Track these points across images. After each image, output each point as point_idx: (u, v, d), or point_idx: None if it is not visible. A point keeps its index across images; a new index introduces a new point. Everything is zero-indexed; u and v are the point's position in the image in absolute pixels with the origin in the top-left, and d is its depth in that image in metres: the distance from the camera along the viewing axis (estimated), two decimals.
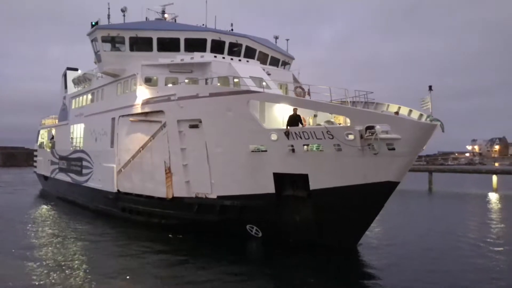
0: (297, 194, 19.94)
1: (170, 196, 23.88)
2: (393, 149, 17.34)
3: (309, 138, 18.70)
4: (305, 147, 19.00)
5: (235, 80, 23.54)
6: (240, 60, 26.74)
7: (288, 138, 18.96)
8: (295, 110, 19.69)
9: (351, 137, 17.67)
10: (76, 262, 18.10)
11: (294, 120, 19.40)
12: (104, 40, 28.08)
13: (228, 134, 20.84)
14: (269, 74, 25.48)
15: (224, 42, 27.67)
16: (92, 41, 29.38)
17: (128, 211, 26.77)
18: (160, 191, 24.40)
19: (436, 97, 17.87)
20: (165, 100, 23.58)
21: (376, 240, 22.20)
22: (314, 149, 18.88)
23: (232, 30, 30.90)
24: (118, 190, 27.76)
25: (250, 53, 28.81)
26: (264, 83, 22.71)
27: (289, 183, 20.01)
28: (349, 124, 17.93)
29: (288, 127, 19.03)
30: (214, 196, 22.23)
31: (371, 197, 18.42)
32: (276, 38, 33.59)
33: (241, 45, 28.45)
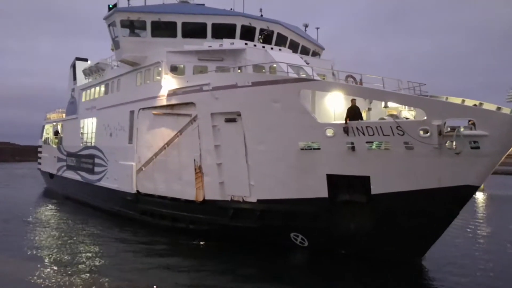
0: (354, 199, 17.27)
1: (201, 199, 21.21)
2: (477, 147, 14.71)
3: (373, 135, 16.04)
4: (368, 144, 16.35)
5: (272, 69, 21.07)
6: (272, 48, 24.11)
7: (347, 134, 16.30)
8: (353, 101, 17.05)
9: (425, 133, 15.06)
10: (93, 268, 16.54)
11: (354, 113, 16.74)
12: (123, 24, 25.35)
13: (273, 129, 18.14)
14: (307, 64, 22.91)
15: (254, 28, 25.08)
16: (109, 25, 26.65)
17: (150, 215, 24.07)
18: (188, 193, 21.72)
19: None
20: (196, 90, 20.86)
21: (446, 254, 19.31)
22: (381, 147, 16.24)
23: (261, 15, 28.21)
24: (137, 191, 25.04)
25: (281, 41, 26.32)
26: (303, 73, 20.19)
27: (345, 187, 17.33)
28: (424, 118, 15.25)
29: (348, 121, 16.39)
30: (253, 199, 19.55)
31: (445, 204, 15.80)
32: (306, 26, 30.91)
33: (272, 32, 25.87)
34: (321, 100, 18.82)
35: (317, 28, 31.83)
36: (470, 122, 14.92)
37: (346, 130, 16.33)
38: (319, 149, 17.31)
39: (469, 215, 28.88)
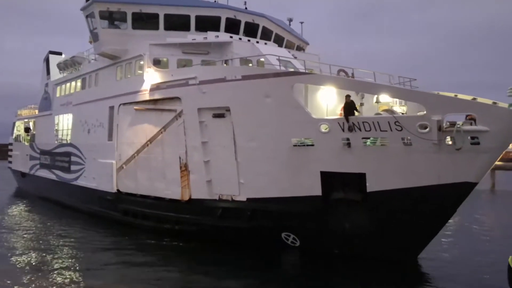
0: (349, 197, 16.69)
1: (186, 198, 20.31)
2: (477, 143, 14.34)
3: (370, 130, 15.49)
4: (365, 140, 15.80)
5: (260, 63, 20.37)
6: (258, 42, 23.40)
7: (350, 131, 15.66)
8: (348, 97, 16.46)
9: (424, 129, 14.60)
10: (68, 272, 15.51)
11: (351, 108, 16.15)
12: (102, 16, 24.15)
13: (264, 125, 17.40)
14: (295, 58, 22.29)
15: (239, 21, 24.31)
16: (87, 17, 25.42)
17: (132, 215, 22.99)
18: (173, 192, 20.80)
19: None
20: (182, 84, 19.93)
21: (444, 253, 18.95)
22: (376, 143, 15.71)
23: (246, 8, 27.42)
24: (118, 190, 23.94)
25: (266, 35, 25.60)
26: (291, 67, 19.57)
27: (340, 184, 16.73)
28: (423, 113, 14.77)
29: (347, 117, 15.82)
30: (243, 198, 18.77)
31: (443, 201, 15.40)
32: (290, 20, 30.25)
33: (258, 25, 25.15)
34: (314, 95, 18.15)
35: (301, 23, 31.24)
36: (468, 117, 14.54)
37: (350, 128, 15.66)
38: (313, 145, 16.67)
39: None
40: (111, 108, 24.85)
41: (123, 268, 16.49)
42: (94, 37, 25.46)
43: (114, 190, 23.99)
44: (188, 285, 14.98)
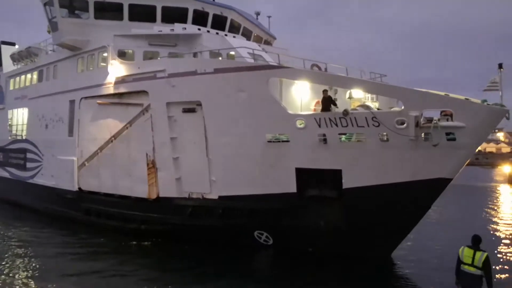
0: (325, 194, 16.39)
1: (154, 196, 19.47)
2: (453, 139, 14.33)
3: (347, 126, 15.22)
4: (342, 136, 15.52)
5: (230, 56, 19.79)
6: (226, 35, 22.76)
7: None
8: (325, 92, 16.16)
9: (401, 124, 14.45)
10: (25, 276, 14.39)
11: (328, 104, 15.83)
12: (62, 4, 22.79)
13: (238, 120, 16.82)
14: (266, 52, 21.80)
15: (207, 13, 23.49)
16: (45, 4, 23.92)
17: (95, 215, 21.88)
18: (139, 190, 19.89)
19: None
20: (149, 77, 19.02)
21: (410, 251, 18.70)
22: (352, 139, 15.46)
23: (214, 0, 26.67)
24: (79, 189, 22.74)
25: (234, 28, 24.94)
26: (262, 62, 19.06)
27: (315, 181, 16.40)
28: (402, 108, 14.62)
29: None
30: (214, 196, 18.15)
31: (418, 197, 15.35)
32: (258, 14, 29.74)
33: (226, 18, 24.46)
34: (288, 90, 17.73)
35: (269, 17, 30.84)
36: (443, 113, 14.52)
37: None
38: (288, 141, 16.25)
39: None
40: (72, 102, 23.53)
41: (83, 274, 15.08)
42: (53, 26, 23.99)
43: (75, 189, 22.77)
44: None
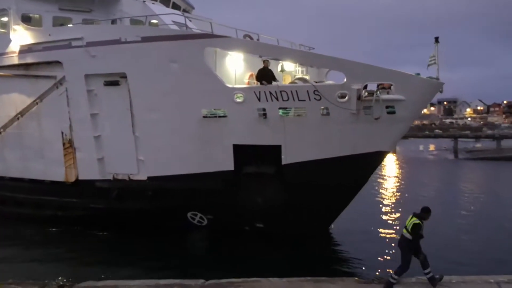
0: (263, 170, 15.73)
1: (72, 179, 17.62)
2: (393, 112, 14.32)
3: (288, 100, 14.58)
4: (281, 111, 14.85)
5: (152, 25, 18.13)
6: (144, 1, 20.91)
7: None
8: (266, 63, 15.34)
9: (343, 98, 14.12)
10: None
11: (267, 76, 15.01)
12: None
13: (169, 94, 15.43)
14: (190, 21, 20.38)
15: None
16: None
17: (0, 202, 19.33)
18: (54, 173, 17.87)
19: None
20: (63, 46, 16.79)
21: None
22: (290, 114, 14.87)
23: None
24: None
25: None
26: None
27: (254, 158, 15.65)
28: (344, 81, 14.23)
29: (262, 83, 14.70)
30: (143, 177, 16.74)
31: (357, 171, 15.29)
32: None
33: None
34: (222, 61, 16.60)
35: None
36: (380, 86, 14.42)
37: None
38: (225, 116, 15.26)
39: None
40: None
41: None
42: None
43: None
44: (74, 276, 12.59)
